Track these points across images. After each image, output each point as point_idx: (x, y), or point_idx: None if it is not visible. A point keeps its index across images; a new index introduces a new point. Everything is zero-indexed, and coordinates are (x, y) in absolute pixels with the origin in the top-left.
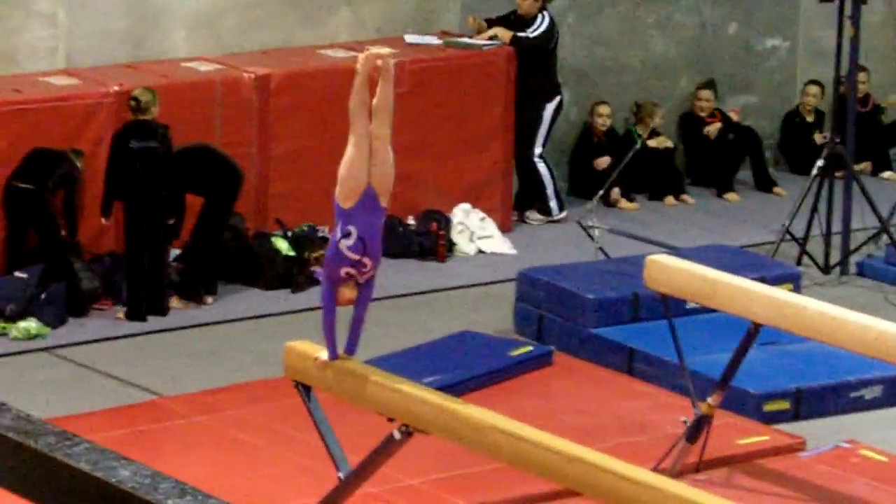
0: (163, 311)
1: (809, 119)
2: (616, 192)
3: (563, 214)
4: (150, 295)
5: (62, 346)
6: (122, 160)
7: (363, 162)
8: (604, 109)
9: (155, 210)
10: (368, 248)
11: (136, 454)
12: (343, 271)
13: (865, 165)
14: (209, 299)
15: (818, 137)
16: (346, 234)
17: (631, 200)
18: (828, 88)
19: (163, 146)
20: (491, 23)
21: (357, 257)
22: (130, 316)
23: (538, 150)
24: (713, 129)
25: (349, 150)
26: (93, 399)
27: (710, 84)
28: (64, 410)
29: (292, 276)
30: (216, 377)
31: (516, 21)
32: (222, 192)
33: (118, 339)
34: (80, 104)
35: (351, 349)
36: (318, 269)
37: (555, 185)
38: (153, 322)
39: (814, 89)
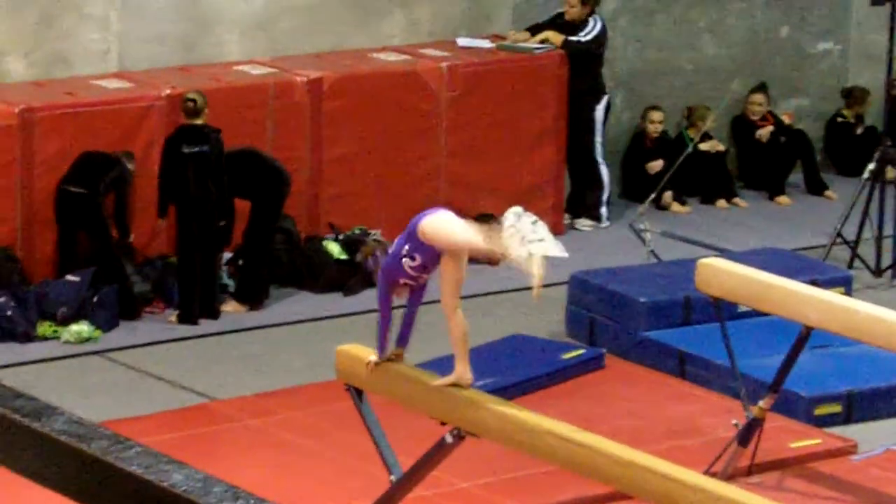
0: (214, 314)
1: (852, 121)
2: (668, 195)
3: (608, 224)
4: (203, 298)
5: (114, 350)
6: (175, 164)
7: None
8: (656, 115)
9: (206, 214)
10: (429, 268)
11: (188, 458)
12: (401, 280)
13: None
14: (262, 303)
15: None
16: (412, 258)
17: (683, 204)
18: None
19: (215, 150)
20: (538, 27)
21: (416, 274)
22: (183, 319)
23: (600, 151)
24: (765, 132)
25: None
26: (145, 403)
27: (762, 87)
28: (116, 414)
29: (345, 279)
30: (268, 381)
31: (564, 24)
32: (269, 195)
33: (170, 342)
34: (132, 107)
35: (402, 343)
36: (368, 262)
37: (610, 191)
38: (205, 325)
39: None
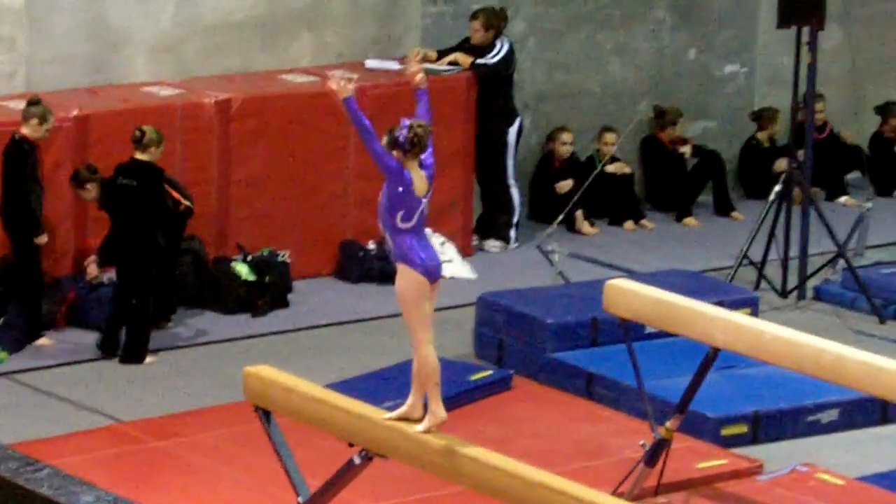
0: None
1: (766, 145)
2: (579, 214)
3: (517, 245)
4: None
5: (20, 372)
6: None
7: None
8: (566, 136)
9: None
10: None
11: (96, 480)
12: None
13: (815, 190)
14: (167, 324)
15: (779, 164)
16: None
17: (591, 225)
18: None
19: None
20: (446, 52)
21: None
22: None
23: (512, 173)
24: (687, 148)
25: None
26: (52, 425)
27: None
28: (23, 436)
29: (252, 300)
30: (175, 402)
31: (471, 49)
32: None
33: (76, 364)
34: None
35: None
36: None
37: (519, 213)
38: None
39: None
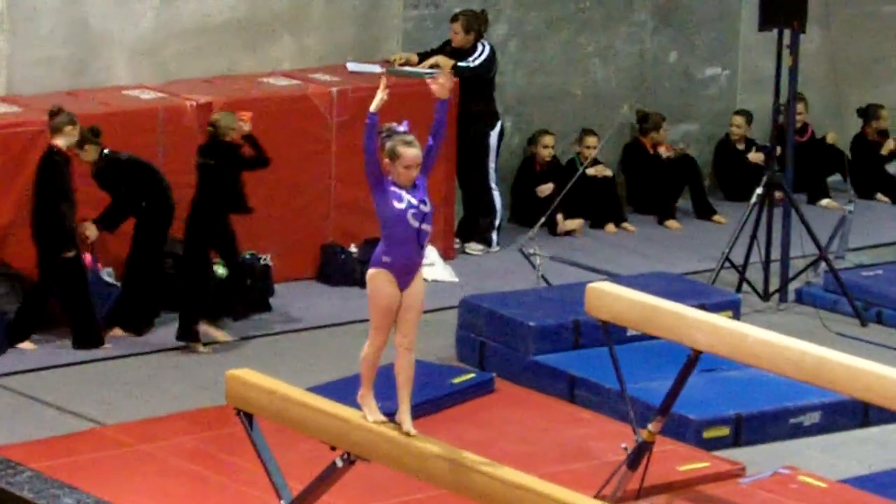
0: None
1: (740, 147)
2: (560, 217)
3: (498, 248)
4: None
5: (1, 376)
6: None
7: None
8: (548, 139)
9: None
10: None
11: (77, 483)
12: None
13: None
14: (148, 328)
15: (753, 156)
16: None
17: (573, 230)
18: (759, 116)
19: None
20: (427, 54)
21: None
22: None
23: (493, 177)
24: (665, 150)
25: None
26: (33, 428)
27: (645, 118)
28: (4, 440)
29: (233, 303)
30: (157, 405)
31: (452, 52)
32: (154, 218)
33: (57, 367)
34: (20, 132)
35: None
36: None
37: (501, 216)
38: (94, 350)
39: (738, 119)
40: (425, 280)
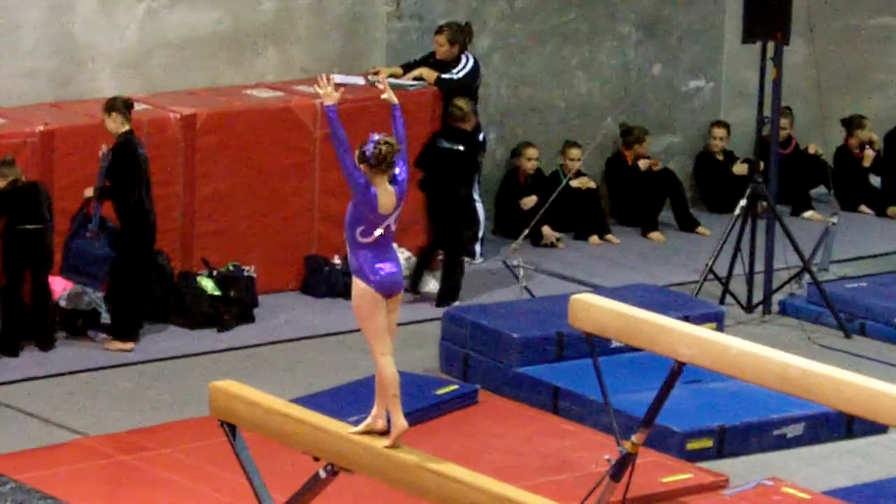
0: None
1: (720, 158)
2: (546, 228)
3: (482, 260)
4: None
5: None
6: None
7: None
8: (532, 152)
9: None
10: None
11: (62, 495)
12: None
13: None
14: (133, 339)
15: (738, 168)
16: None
17: (557, 239)
18: (743, 129)
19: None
20: (412, 66)
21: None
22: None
23: (476, 189)
24: (643, 163)
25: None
26: (17, 439)
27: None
28: None
29: (218, 315)
30: (141, 417)
31: (437, 63)
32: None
33: (42, 378)
34: (4, 144)
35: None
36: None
37: (484, 228)
38: (78, 361)
39: (719, 131)
40: (408, 291)
